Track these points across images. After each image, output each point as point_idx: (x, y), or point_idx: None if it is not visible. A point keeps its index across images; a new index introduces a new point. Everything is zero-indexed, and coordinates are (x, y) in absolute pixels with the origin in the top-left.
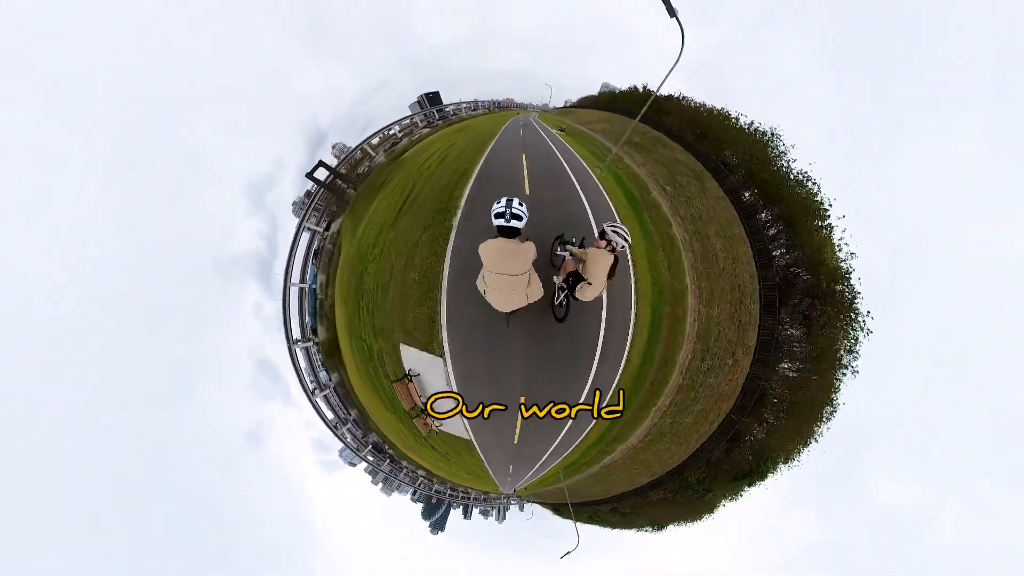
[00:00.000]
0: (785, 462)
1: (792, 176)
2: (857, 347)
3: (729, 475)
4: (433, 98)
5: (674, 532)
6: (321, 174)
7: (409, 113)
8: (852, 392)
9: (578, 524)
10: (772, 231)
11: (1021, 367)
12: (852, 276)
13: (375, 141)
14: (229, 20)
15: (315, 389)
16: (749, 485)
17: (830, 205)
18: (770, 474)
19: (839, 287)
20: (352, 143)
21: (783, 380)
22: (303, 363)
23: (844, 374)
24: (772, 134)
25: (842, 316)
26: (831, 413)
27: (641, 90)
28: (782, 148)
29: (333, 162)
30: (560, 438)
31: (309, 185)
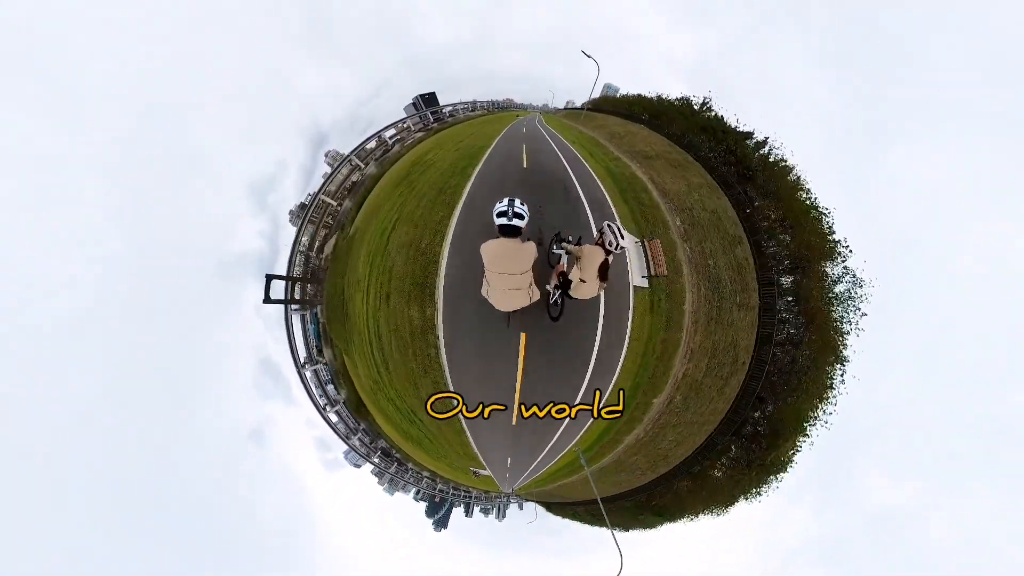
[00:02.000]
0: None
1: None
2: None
3: (651, 511)
4: (429, 99)
5: (666, 533)
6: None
7: (404, 115)
8: (846, 394)
9: (567, 520)
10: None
11: (1011, 369)
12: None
13: (371, 145)
14: (228, 20)
15: (326, 405)
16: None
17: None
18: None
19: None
20: (353, 144)
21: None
22: (309, 375)
23: (776, 480)
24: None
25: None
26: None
27: (700, 107)
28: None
29: (327, 170)
30: (555, 439)
31: (304, 196)
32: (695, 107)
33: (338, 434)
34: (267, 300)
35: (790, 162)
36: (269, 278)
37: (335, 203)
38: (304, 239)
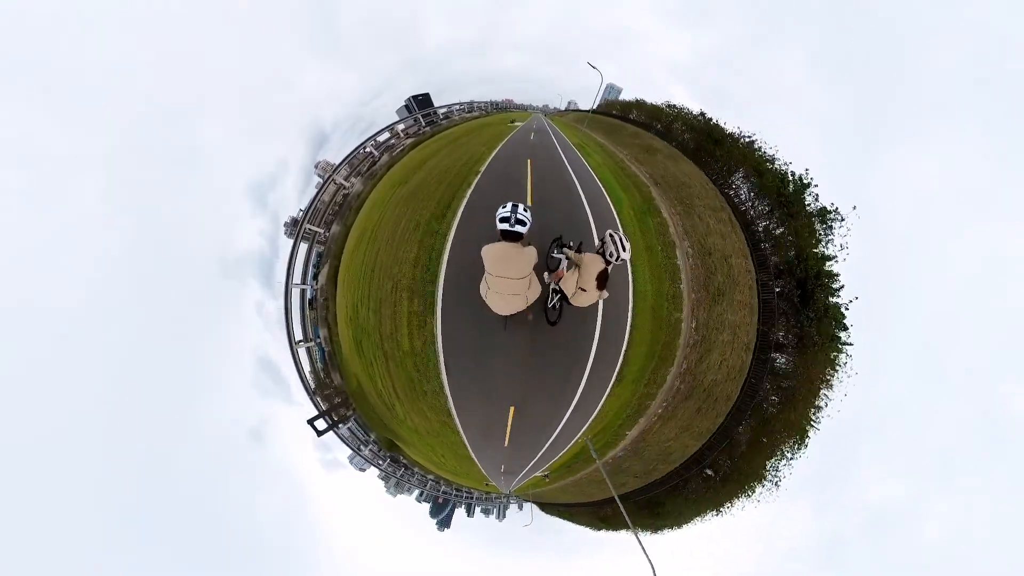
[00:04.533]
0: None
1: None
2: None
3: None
4: (423, 101)
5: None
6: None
7: (397, 118)
8: (844, 395)
9: (564, 520)
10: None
11: (1006, 366)
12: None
13: (367, 149)
14: (232, 21)
15: (339, 423)
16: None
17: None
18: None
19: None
20: (352, 144)
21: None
22: (321, 399)
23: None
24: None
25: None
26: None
27: (774, 168)
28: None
29: (318, 181)
30: (550, 442)
31: (297, 210)
32: (765, 161)
33: (350, 447)
34: (320, 434)
35: (845, 287)
36: (311, 422)
37: (322, 230)
38: (296, 290)
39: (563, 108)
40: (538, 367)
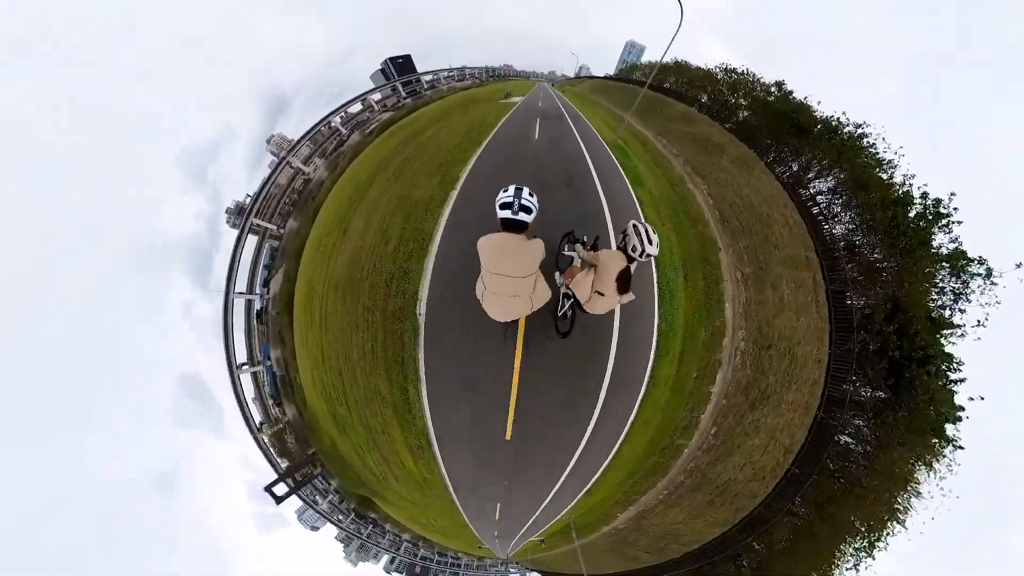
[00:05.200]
0: None
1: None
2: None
3: None
4: (403, 65)
5: None
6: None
7: (372, 85)
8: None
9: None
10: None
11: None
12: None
13: (336, 121)
14: None
15: (303, 484)
16: None
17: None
18: None
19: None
20: (317, 115)
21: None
22: (267, 439)
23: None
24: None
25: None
26: None
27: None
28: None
29: (272, 160)
30: (550, 498)
31: (254, 186)
32: (876, 166)
33: (303, 499)
34: (279, 501)
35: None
36: (268, 489)
37: (275, 225)
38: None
39: (573, 76)
40: (543, 389)
